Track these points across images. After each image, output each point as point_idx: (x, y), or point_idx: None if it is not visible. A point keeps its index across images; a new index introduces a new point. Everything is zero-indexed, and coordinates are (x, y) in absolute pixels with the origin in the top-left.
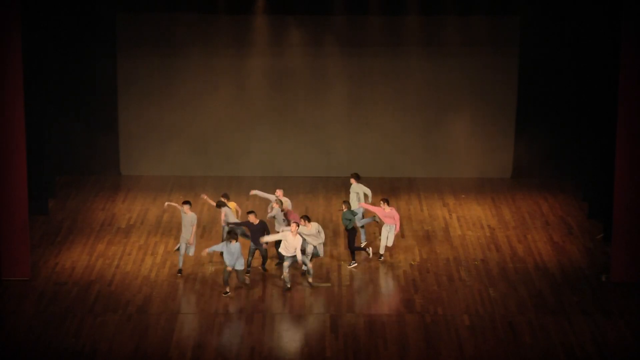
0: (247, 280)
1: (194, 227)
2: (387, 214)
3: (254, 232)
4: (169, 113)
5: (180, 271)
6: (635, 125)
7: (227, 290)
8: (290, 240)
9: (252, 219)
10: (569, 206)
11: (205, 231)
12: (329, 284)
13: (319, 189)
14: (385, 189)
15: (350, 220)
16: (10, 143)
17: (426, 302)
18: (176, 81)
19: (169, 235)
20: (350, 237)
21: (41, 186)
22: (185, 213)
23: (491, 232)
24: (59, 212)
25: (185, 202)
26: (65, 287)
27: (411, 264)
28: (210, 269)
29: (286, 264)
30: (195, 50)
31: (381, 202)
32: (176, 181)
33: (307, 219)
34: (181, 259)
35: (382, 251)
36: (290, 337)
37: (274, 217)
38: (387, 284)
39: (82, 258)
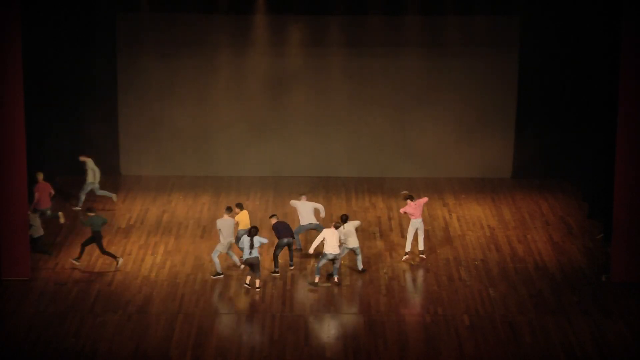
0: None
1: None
2: (417, 205)
3: (280, 229)
4: (169, 113)
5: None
6: (635, 125)
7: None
8: (329, 238)
9: (273, 221)
10: (569, 206)
11: (205, 232)
12: (329, 284)
13: (319, 189)
14: (386, 189)
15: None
16: (10, 143)
17: (426, 302)
18: (176, 81)
19: (169, 235)
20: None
21: None
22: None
23: (491, 232)
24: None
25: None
26: (65, 287)
27: (411, 264)
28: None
29: (324, 260)
30: (195, 50)
31: (407, 200)
32: (176, 181)
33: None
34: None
35: (420, 247)
36: (290, 337)
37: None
38: (386, 284)
39: (82, 258)
